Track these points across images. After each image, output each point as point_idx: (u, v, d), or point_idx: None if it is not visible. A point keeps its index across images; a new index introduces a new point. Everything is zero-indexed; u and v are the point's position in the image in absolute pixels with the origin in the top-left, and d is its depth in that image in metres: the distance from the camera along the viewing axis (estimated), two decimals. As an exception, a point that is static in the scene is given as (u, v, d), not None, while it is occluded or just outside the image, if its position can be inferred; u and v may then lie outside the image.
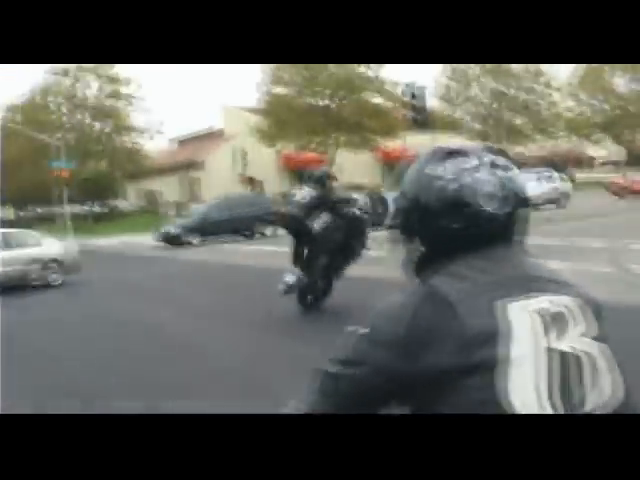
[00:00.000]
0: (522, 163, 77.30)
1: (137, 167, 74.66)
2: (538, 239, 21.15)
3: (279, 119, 59.08)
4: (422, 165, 2.24)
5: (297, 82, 60.95)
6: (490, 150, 2.24)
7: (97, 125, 74.86)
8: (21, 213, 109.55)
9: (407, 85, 54.43)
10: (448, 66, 70.34)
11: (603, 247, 21.14)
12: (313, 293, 14.33)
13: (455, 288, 2.07)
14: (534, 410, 2.02)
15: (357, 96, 59.77)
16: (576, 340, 2.12)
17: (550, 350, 2.05)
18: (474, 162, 2.16)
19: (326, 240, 13.91)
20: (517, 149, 75.57)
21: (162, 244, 39.92)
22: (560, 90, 71.10)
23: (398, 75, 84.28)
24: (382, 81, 60.87)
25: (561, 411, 2.05)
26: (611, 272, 16.52)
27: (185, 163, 79.35)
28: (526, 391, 2.02)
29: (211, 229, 39.99)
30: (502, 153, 2.25)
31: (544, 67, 69.03)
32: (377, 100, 61.35)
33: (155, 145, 78.15)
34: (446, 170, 2.16)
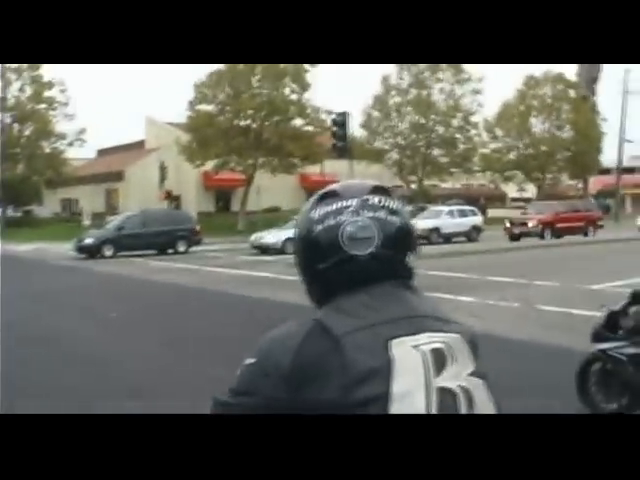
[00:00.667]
0: (437, 196, 78.47)
1: (56, 173, 73.54)
2: (446, 271, 21.69)
3: (201, 135, 58.93)
4: (305, 207, 2.32)
5: (220, 100, 60.86)
6: (368, 189, 2.26)
7: (17, 127, 73.61)
8: None
9: (331, 112, 55.07)
10: (370, 94, 71.25)
11: (511, 282, 21.86)
12: None
13: (340, 323, 2.09)
14: None
15: (279, 118, 59.86)
16: (454, 376, 2.15)
17: (428, 386, 2.08)
18: (343, 204, 2.20)
19: None
20: (433, 181, 76.73)
21: (76, 254, 39.72)
22: (477, 126, 72.43)
23: (321, 100, 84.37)
24: (305, 105, 61.11)
25: None
26: (519, 307, 17.25)
27: (104, 173, 78.71)
28: None
29: (125, 242, 39.90)
30: (384, 192, 2.26)
31: (463, 102, 70.37)
32: (299, 124, 61.57)
33: (75, 153, 77.20)
34: (316, 212, 2.23)
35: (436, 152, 71.54)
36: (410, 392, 2.05)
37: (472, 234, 49.33)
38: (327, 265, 2.20)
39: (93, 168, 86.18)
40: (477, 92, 70.28)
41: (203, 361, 11.83)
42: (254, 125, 60.42)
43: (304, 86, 60.58)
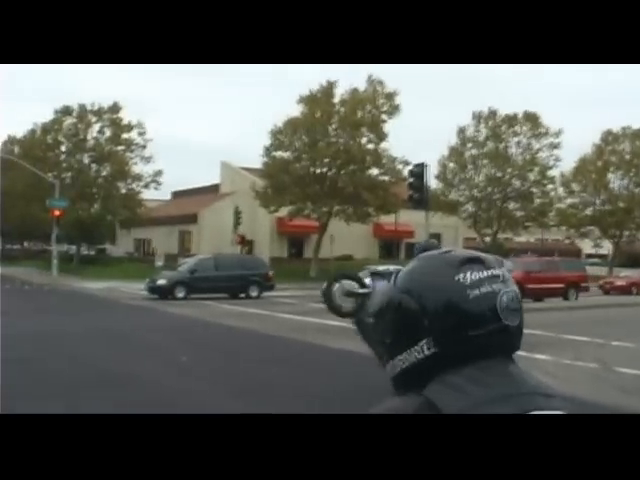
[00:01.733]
0: (511, 249, 77.82)
1: (131, 214, 74.44)
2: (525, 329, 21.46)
3: (276, 182, 59.15)
4: (438, 267, 2.16)
5: (297, 147, 61.12)
6: (502, 262, 2.22)
7: (94, 167, 74.70)
8: (7, 246, 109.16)
9: (407, 162, 55.04)
10: (446, 147, 71.01)
11: (587, 341, 21.35)
12: None
13: (450, 400, 2.02)
14: None
15: (355, 167, 59.82)
16: None
17: None
18: (494, 272, 2.13)
19: None
20: (507, 235, 76.08)
21: (148, 294, 39.93)
22: (554, 180, 71.69)
23: (398, 150, 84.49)
24: (381, 154, 61.07)
25: None
26: (596, 368, 16.74)
27: (178, 215, 79.44)
28: None
29: (198, 285, 39.98)
30: (502, 264, 2.20)
31: (540, 156, 69.78)
32: (375, 173, 61.48)
33: (150, 194, 78.10)
34: (465, 277, 2.09)
35: (512, 206, 70.99)
36: None
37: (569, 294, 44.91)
38: (481, 332, 2.07)
39: (167, 210, 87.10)
40: (554, 146, 69.60)
41: (271, 406, 11.61)
42: (330, 173, 60.50)
43: (381, 135, 60.56)
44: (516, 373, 2.14)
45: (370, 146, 61.27)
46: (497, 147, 69.66)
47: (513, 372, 2.13)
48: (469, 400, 2.00)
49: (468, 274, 2.09)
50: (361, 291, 2.56)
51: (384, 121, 60.53)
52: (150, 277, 41.89)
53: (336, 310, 2.62)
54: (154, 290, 39.96)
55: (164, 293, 39.35)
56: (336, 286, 2.57)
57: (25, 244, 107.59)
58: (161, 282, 40.36)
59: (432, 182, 58.59)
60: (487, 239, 72.18)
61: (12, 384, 13.48)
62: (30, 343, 19.31)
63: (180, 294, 39.44)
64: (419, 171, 40.60)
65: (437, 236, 69.68)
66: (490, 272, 2.12)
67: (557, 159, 70.10)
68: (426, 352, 2.13)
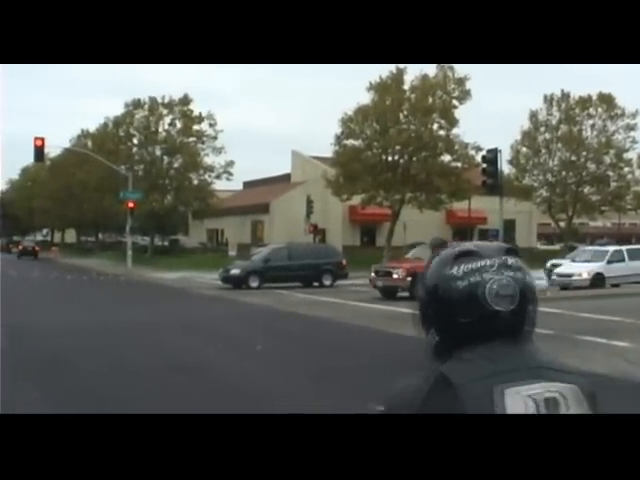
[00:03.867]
0: (586, 234, 76.75)
1: (203, 205, 74.98)
2: (598, 314, 20.82)
3: (348, 170, 59.02)
4: (438, 262, 2.45)
5: (368, 135, 60.87)
6: (504, 250, 2.41)
7: (166, 159, 75.33)
8: (82, 238, 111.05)
9: (479, 148, 54.52)
10: (519, 131, 70.03)
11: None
12: None
13: (461, 373, 2.27)
14: None
15: (427, 154, 59.44)
16: None
17: None
18: (486, 262, 2.34)
19: None
20: (582, 220, 74.94)
21: (222, 284, 40.13)
22: (631, 163, 70.12)
23: (470, 136, 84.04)
24: (453, 141, 60.59)
25: None
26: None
27: (250, 205, 79.74)
28: None
29: (271, 274, 40.09)
30: (516, 253, 2.42)
31: (615, 138, 68.41)
32: (447, 159, 61.00)
33: (222, 185, 78.56)
34: (457, 269, 2.35)
35: (587, 190, 69.73)
36: None
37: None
38: (470, 320, 2.34)
39: (239, 200, 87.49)
40: (631, 128, 68.11)
41: (347, 394, 11.47)
42: (402, 160, 60.17)
43: (452, 121, 60.02)
44: (526, 350, 2.39)
45: (441, 132, 60.75)
46: (571, 130, 68.38)
47: (524, 349, 2.38)
48: (477, 372, 2.27)
49: (461, 267, 2.36)
50: None
51: (455, 107, 59.88)
52: (224, 267, 42.08)
53: None
54: (228, 280, 40.18)
55: (238, 282, 39.53)
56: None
57: (100, 236, 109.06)
58: (235, 272, 40.54)
59: (505, 167, 57.91)
60: (562, 224, 71.23)
61: (92, 369, 13.57)
62: (106, 333, 19.44)
63: (254, 283, 39.58)
64: (492, 157, 40.23)
65: (511, 222, 69.14)
66: (482, 263, 2.36)
67: (634, 141, 68.47)
68: (436, 338, 2.44)
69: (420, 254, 34.66)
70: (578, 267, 39.20)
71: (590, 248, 46.42)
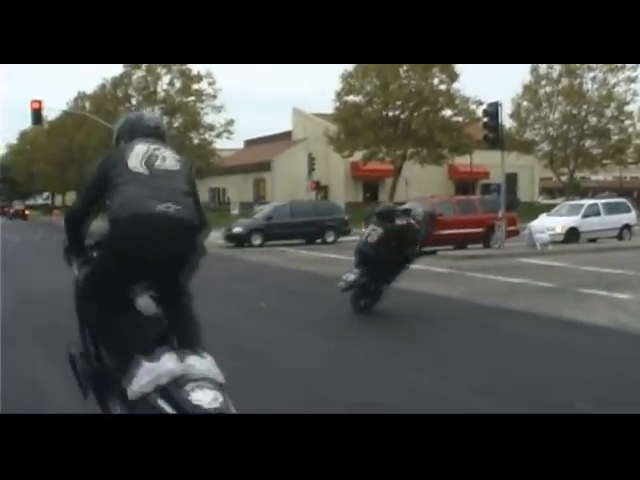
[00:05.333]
0: (588, 188, 76.61)
1: (204, 164, 74.93)
2: (599, 267, 20.84)
3: (349, 126, 58.95)
4: None
5: (368, 91, 60.72)
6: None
7: (166, 119, 75.18)
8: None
9: (480, 102, 54.33)
10: (520, 85, 69.69)
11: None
12: (366, 297, 15.07)
13: None
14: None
15: (427, 109, 59.30)
16: (163, 158, 5.77)
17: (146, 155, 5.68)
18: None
19: (382, 247, 14.89)
20: (584, 174, 74.76)
21: (225, 242, 40.21)
22: (632, 115, 69.69)
23: (470, 90, 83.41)
24: (454, 95, 60.42)
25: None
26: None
27: (252, 163, 79.72)
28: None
29: (274, 231, 40.19)
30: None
31: (617, 91, 67.98)
32: (448, 114, 60.85)
33: (223, 144, 78.48)
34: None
35: (588, 143, 69.37)
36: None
37: (624, 235, 38.98)
38: None
39: (241, 158, 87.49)
40: (632, 80, 67.60)
41: (358, 350, 11.57)
42: (403, 116, 60.12)
43: (452, 76, 59.84)
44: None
45: (442, 87, 60.64)
46: (572, 83, 67.86)
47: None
48: None
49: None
50: None
51: (456, 61, 59.63)
52: (226, 225, 42.13)
53: None
54: (231, 238, 40.25)
55: (240, 241, 39.59)
56: None
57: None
58: (237, 230, 40.59)
59: (506, 122, 57.60)
60: (563, 178, 71.07)
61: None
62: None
63: (256, 241, 39.65)
64: (493, 110, 39.98)
65: (513, 176, 68.93)
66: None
67: (635, 93, 67.92)
68: None
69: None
70: (552, 221, 37.58)
71: (568, 203, 44.46)
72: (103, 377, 5.37)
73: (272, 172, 76.52)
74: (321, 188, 64.97)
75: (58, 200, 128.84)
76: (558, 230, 36.59)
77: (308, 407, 7.74)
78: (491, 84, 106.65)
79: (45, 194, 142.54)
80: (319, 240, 41.19)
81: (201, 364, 4.93)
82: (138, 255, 5.18)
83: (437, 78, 60.35)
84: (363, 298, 15.07)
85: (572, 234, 36.99)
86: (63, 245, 5.97)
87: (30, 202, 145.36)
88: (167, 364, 4.72)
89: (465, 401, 8.15)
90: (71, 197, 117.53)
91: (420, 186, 61.10)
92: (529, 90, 68.93)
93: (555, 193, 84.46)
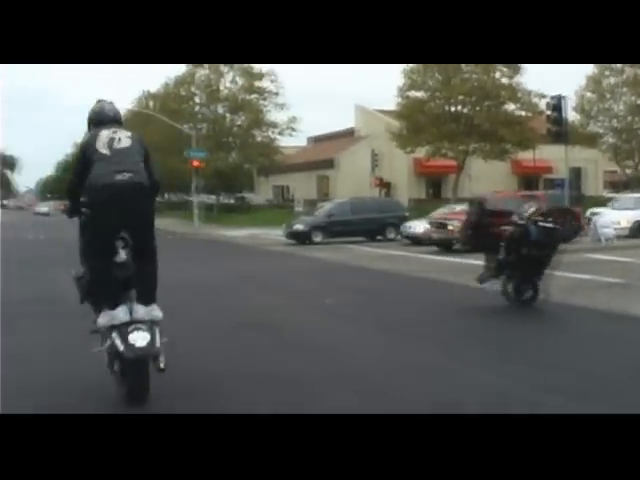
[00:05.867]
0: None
1: (268, 161, 75.18)
2: None
3: (412, 122, 58.70)
4: None
5: (430, 86, 60.35)
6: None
7: (229, 117, 75.55)
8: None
9: (543, 95, 53.72)
10: (584, 76, 68.70)
11: None
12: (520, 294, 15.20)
13: None
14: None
15: (490, 103, 58.78)
16: (119, 139, 8.13)
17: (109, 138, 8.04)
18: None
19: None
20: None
21: (288, 240, 40.38)
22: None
23: (534, 84, 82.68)
24: (516, 89, 59.79)
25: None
26: None
27: (315, 161, 79.78)
28: None
29: (334, 228, 40.26)
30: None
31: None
32: (511, 108, 60.27)
33: (287, 141, 78.67)
34: None
35: (654, 135, 68.19)
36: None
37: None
38: None
39: (304, 156, 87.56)
40: (701, 68, 66.17)
41: (413, 346, 11.56)
42: (465, 110, 59.60)
43: (515, 69, 59.18)
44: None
45: (504, 80, 59.94)
46: (636, 73, 66.68)
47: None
48: None
49: None
50: None
51: (518, 54, 58.81)
52: (288, 223, 42.29)
53: None
54: (292, 235, 40.47)
55: (302, 238, 39.79)
56: None
57: (166, 196, 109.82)
58: (298, 227, 40.81)
59: (570, 114, 56.86)
60: (628, 171, 70.00)
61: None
62: (175, 290, 19.62)
63: (317, 238, 39.81)
64: (557, 103, 39.77)
65: (577, 170, 68.17)
66: None
67: None
68: None
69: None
70: (617, 215, 36.42)
71: (632, 195, 42.07)
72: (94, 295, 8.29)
73: (336, 169, 76.48)
74: (385, 185, 64.78)
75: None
76: (623, 224, 35.80)
77: (390, 407, 7.75)
78: (554, 76, 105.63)
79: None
80: (380, 237, 41.13)
81: (144, 311, 7.98)
82: (107, 211, 7.81)
83: (499, 72, 59.66)
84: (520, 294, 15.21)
85: (638, 228, 36.09)
86: (66, 205, 8.97)
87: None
88: (119, 314, 7.79)
89: (541, 401, 8.05)
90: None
91: (483, 182, 60.59)
92: (593, 81, 67.85)
93: (620, 187, 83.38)
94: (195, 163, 57.20)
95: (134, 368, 7.64)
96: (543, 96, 55.29)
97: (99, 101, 8.91)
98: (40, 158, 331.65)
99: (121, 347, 7.60)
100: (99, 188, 7.72)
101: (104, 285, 8.03)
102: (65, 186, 8.74)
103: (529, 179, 70.22)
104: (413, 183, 73.52)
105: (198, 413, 6.81)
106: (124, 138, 8.12)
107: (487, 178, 61.54)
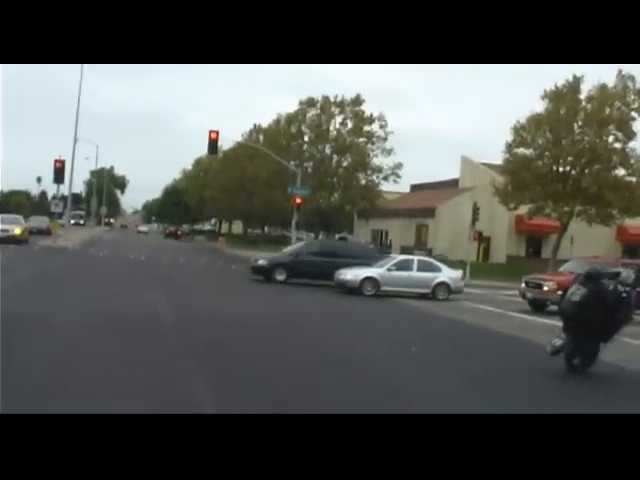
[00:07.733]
0: None
1: (369, 205, 75.51)
2: None
3: (517, 179, 58.20)
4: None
5: (539, 144, 59.77)
6: None
7: (335, 158, 76.27)
8: (249, 230, 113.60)
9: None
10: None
11: None
12: (579, 357, 15.15)
13: None
14: None
15: (600, 166, 57.85)
16: None
17: None
18: None
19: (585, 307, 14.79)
20: None
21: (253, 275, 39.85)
22: None
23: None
24: (629, 154, 58.76)
25: None
26: None
27: (416, 208, 79.86)
28: None
29: (301, 268, 38.89)
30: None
31: None
32: (621, 173, 59.23)
33: (389, 186, 78.93)
34: None
35: None
36: None
37: None
38: None
39: (405, 202, 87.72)
40: None
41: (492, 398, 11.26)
42: (573, 172, 58.81)
43: (629, 134, 58.18)
44: None
45: (617, 145, 58.97)
46: None
47: None
48: None
49: None
50: None
51: (634, 119, 57.78)
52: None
53: None
54: (255, 270, 39.81)
55: (265, 273, 39.00)
56: None
57: (265, 229, 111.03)
58: (262, 263, 39.98)
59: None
60: None
61: (251, 361, 13.65)
62: (268, 324, 19.81)
63: (281, 277, 38.44)
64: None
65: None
66: None
67: None
68: None
69: (573, 268, 31.55)
70: None
71: None
72: None
73: (436, 219, 76.32)
74: (484, 239, 64.41)
75: (224, 227, 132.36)
76: None
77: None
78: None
79: (213, 220, 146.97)
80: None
81: None
82: None
83: (612, 135, 58.75)
84: (575, 358, 15.19)
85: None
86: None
87: (198, 227, 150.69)
88: None
89: None
90: (237, 225, 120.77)
91: (585, 245, 59.79)
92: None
93: None
94: (298, 200, 57.60)
95: None
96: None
97: None
98: (149, 182, 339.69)
99: None
100: None
101: None
102: None
103: (634, 247, 69.04)
104: (512, 240, 73.01)
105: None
106: None
107: (589, 241, 60.69)
